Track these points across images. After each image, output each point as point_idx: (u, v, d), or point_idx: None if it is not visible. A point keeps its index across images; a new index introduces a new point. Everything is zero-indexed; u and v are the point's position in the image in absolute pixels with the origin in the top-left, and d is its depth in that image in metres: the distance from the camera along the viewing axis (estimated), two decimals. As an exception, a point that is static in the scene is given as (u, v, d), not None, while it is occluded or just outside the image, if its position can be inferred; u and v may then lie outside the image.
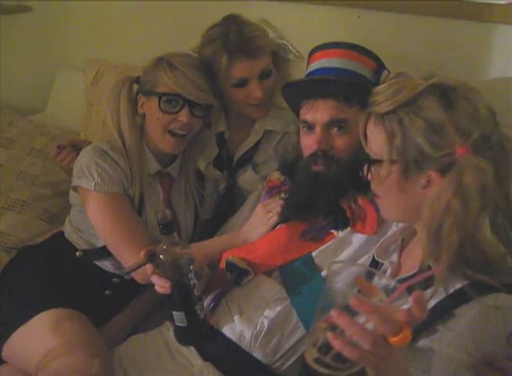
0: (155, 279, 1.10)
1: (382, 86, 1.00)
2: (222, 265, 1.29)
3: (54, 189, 1.91)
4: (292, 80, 1.46)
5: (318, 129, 1.25)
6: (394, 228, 1.18)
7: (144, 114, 1.46)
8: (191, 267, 1.11)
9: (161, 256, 1.09)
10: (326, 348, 0.74)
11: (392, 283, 0.77)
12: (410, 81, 0.97)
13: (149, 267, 1.10)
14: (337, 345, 0.71)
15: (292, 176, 1.36)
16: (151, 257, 1.10)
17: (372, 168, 1.02)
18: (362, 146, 1.25)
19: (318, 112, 1.24)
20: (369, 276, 0.83)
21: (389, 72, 1.32)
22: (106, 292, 1.48)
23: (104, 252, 1.44)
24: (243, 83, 1.49)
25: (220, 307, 1.23)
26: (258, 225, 1.35)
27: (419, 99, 0.94)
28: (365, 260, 1.18)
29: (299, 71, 1.49)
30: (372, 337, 0.69)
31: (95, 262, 1.48)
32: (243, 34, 1.45)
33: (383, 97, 0.97)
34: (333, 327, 0.73)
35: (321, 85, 1.26)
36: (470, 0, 1.48)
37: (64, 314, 1.30)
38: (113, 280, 1.49)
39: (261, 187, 1.52)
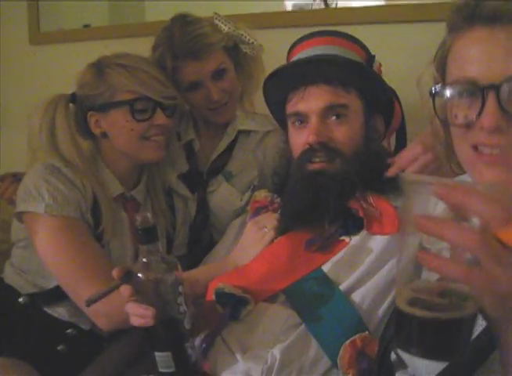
0: (132, 307, 0.85)
1: None
2: (210, 297, 1.03)
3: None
4: (263, 76, 1.27)
5: (313, 119, 1.07)
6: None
7: (103, 133, 1.24)
8: (180, 288, 0.86)
9: (140, 275, 0.85)
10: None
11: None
12: None
13: (125, 289, 0.85)
14: (433, 264, 0.50)
15: (283, 188, 1.16)
16: (126, 277, 0.86)
17: None
18: (366, 137, 1.09)
19: (311, 99, 1.07)
20: None
21: (380, 64, 1.21)
22: (59, 348, 1.19)
23: (56, 295, 1.19)
24: (194, 86, 1.33)
25: (215, 347, 0.97)
26: (251, 245, 1.11)
27: None
28: (393, 264, 0.97)
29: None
30: (479, 236, 0.47)
31: (45, 309, 1.20)
32: (186, 34, 1.29)
33: None
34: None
35: (312, 68, 1.08)
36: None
37: (3, 364, 1.03)
38: (68, 331, 1.21)
39: (238, 204, 1.36)
